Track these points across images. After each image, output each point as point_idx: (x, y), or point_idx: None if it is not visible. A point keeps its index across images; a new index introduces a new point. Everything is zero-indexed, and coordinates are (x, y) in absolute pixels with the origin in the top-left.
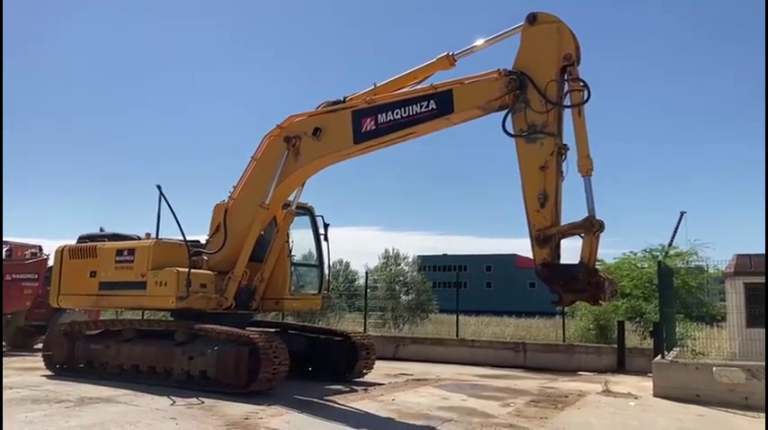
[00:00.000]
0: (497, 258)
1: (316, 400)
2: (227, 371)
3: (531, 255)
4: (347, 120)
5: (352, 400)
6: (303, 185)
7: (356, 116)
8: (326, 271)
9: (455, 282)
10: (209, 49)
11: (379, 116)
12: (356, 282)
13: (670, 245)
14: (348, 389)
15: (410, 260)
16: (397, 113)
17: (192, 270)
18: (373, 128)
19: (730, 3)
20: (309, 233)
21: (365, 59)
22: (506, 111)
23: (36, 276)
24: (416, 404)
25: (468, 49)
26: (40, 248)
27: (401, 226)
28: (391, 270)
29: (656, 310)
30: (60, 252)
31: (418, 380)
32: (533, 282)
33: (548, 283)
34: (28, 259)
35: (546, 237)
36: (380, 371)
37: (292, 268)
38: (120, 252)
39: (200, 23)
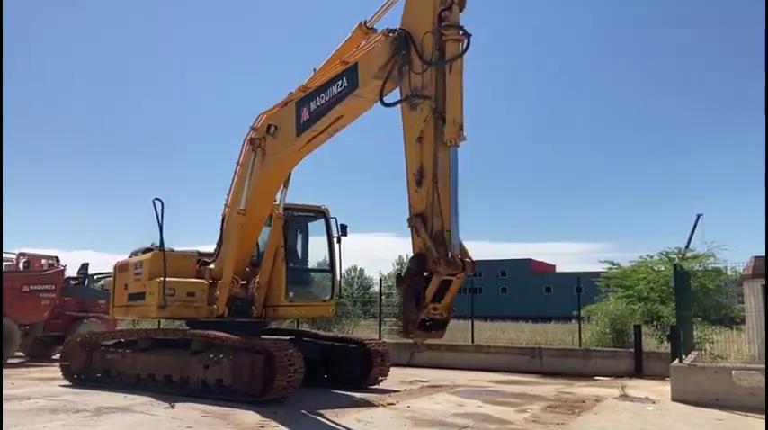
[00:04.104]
0: (512, 263)
1: (331, 408)
2: (242, 379)
3: (546, 260)
4: (292, 112)
5: (367, 407)
6: (287, 187)
7: (298, 107)
8: (338, 276)
9: (470, 288)
10: (213, 49)
11: (311, 103)
12: (371, 289)
13: (687, 247)
14: (363, 396)
15: None
16: (322, 97)
17: (177, 278)
18: (308, 117)
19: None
20: (325, 237)
21: None
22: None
23: (53, 287)
24: (432, 411)
25: (378, 12)
26: (57, 259)
27: None
28: None
29: (674, 314)
30: (115, 267)
31: (433, 386)
32: (549, 287)
33: (408, 277)
34: (45, 270)
35: (419, 226)
36: (395, 377)
37: (296, 273)
38: (136, 265)
39: (203, 22)
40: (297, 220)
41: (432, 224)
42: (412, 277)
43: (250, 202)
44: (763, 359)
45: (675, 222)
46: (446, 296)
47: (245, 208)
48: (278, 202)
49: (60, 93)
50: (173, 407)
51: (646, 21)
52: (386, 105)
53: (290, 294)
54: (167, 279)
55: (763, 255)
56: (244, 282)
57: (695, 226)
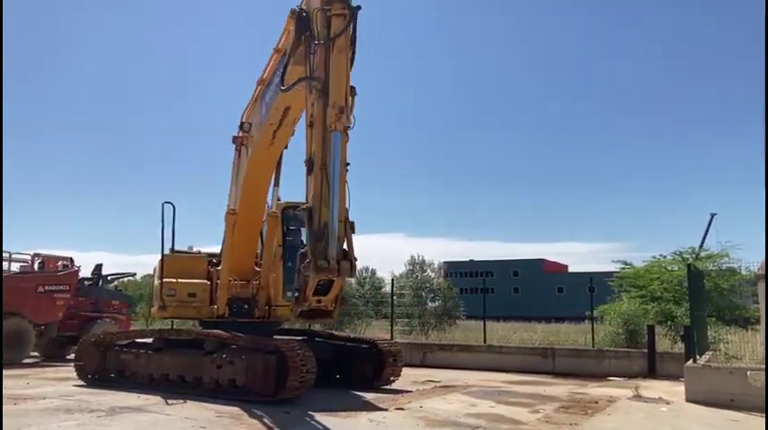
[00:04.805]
0: (524, 263)
1: (343, 408)
2: (255, 379)
3: (558, 260)
4: (259, 107)
5: (379, 408)
6: (278, 185)
7: (260, 101)
8: None
9: (482, 288)
10: (225, 47)
11: (266, 96)
12: (382, 289)
13: (700, 247)
14: (375, 396)
15: (436, 266)
16: (271, 90)
17: (183, 280)
18: (264, 110)
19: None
20: None
21: (386, 56)
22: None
23: (68, 287)
24: (444, 411)
25: None
26: (72, 260)
27: (426, 232)
28: (417, 277)
29: (687, 314)
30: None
31: (446, 386)
32: (561, 287)
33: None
34: (60, 271)
35: (306, 220)
36: (408, 378)
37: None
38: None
39: (203, 22)
40: (299, 219)
41: (319, 217)
42: (297, 272)
43: (240, 202)
44: None
45: (689, 222)
46: (331, 291)
47: (234, 207)
48: (270, 202)
49: (76, 94)
50: (167, 403)
51: (658, 20)
52: (283, 90)
53: (288, 294)
54: (169, 280)
55: None
56: (256, 282)
57: (709, 225)
